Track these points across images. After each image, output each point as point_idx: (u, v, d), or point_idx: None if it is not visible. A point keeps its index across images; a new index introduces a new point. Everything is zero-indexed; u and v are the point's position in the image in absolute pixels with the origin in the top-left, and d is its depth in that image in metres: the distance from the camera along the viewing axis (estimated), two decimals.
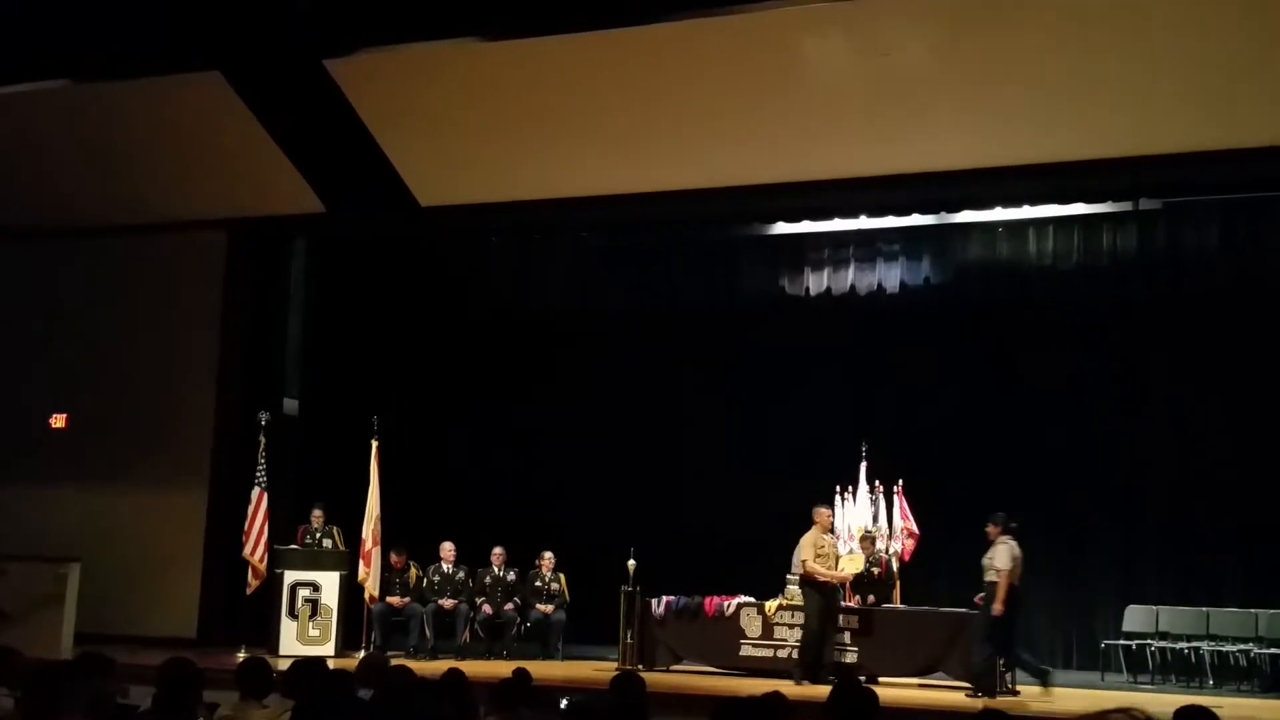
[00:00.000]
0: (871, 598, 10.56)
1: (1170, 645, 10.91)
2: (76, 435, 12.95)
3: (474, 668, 5.69)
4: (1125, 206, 11.51)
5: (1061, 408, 12.34)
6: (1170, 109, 9.70)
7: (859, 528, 10.91)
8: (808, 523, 10.43)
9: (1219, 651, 10.71)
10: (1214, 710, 4.71)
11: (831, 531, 10.64)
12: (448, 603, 11.62)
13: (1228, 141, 9.82)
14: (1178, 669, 10.91)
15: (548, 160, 11.38)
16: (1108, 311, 12.14)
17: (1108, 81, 9.67)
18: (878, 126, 10.35)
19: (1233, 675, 10.66)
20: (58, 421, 13.05)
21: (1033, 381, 12.44)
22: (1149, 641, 10.97)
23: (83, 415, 12.98)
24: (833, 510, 10.72)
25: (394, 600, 11.60)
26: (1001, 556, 9.58)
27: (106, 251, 13.12)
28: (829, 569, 10.17)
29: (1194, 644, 10.81)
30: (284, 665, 6.45)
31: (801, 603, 10.31)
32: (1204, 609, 10.99)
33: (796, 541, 10.57)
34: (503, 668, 6.08)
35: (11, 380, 13.13)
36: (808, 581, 10.16)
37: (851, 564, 10.34)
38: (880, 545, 10.90)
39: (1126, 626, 11.16)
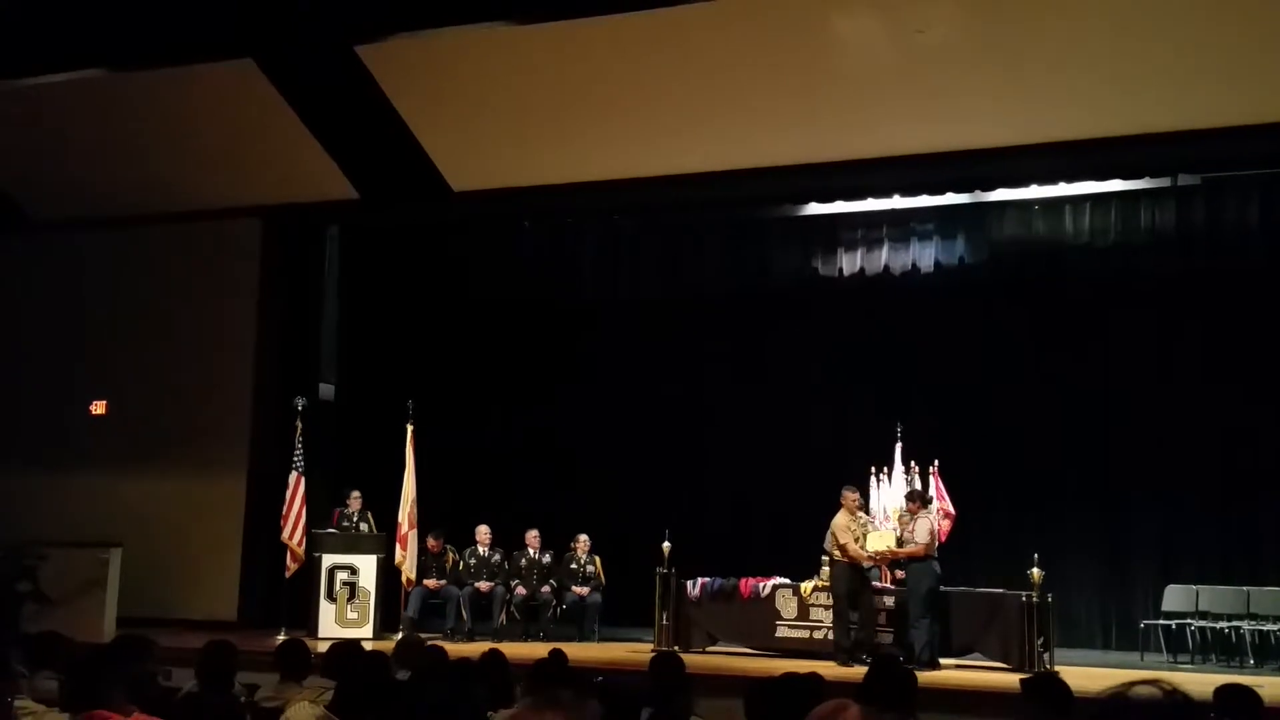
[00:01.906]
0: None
1: (1210, 625, 10.82)
2: (117, 422, 13.08)
3: (510, 649, 5.72)
4: (1163, 183, 11.34)
5: (1099, 386, 12.25)
6: (1209, 83, 9.57)
7: (895, 509, 10.85)
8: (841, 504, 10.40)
9: (1260, 630, 10.61)
10: (1255, 689, 4.67)
11: (866, 511, 10.61)
12: (484, 585, 11.68)
13: (1267, 116, 9.68)
14: (1218, 648, 10.82)
15: (579, 143, 11.36)
16: (1146, 289, 12.01)
17: (1145, 56, 9.55)
18: (911, 105, 10.27)
19: (1274, 654, 10.55)
20: (98, 409, 13.19)
21: (1070, 360, 12.34)
22: (1189, 621, 10.87)
23: (123, 402, 13.11)
24: (859, 492, 10.65)
25: (431, 583, 11.67)
26: (921, 530, 10.01)
27: (143, 240, 13.22)
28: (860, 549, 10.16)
29: (1234, 623, 10.71)
30: (323, 648, 6.51)
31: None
32: (1244, 588, 10.88)
33: (830, 524, 10.56)
34: (539, 649, 6.11)
35: (52, 368, 13.28)
36: (834, 562, 10.17)
37: (879, 540, 10.25)
38: None
39: (1166, 606, 11.07)
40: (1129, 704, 1.53)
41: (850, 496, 10.34)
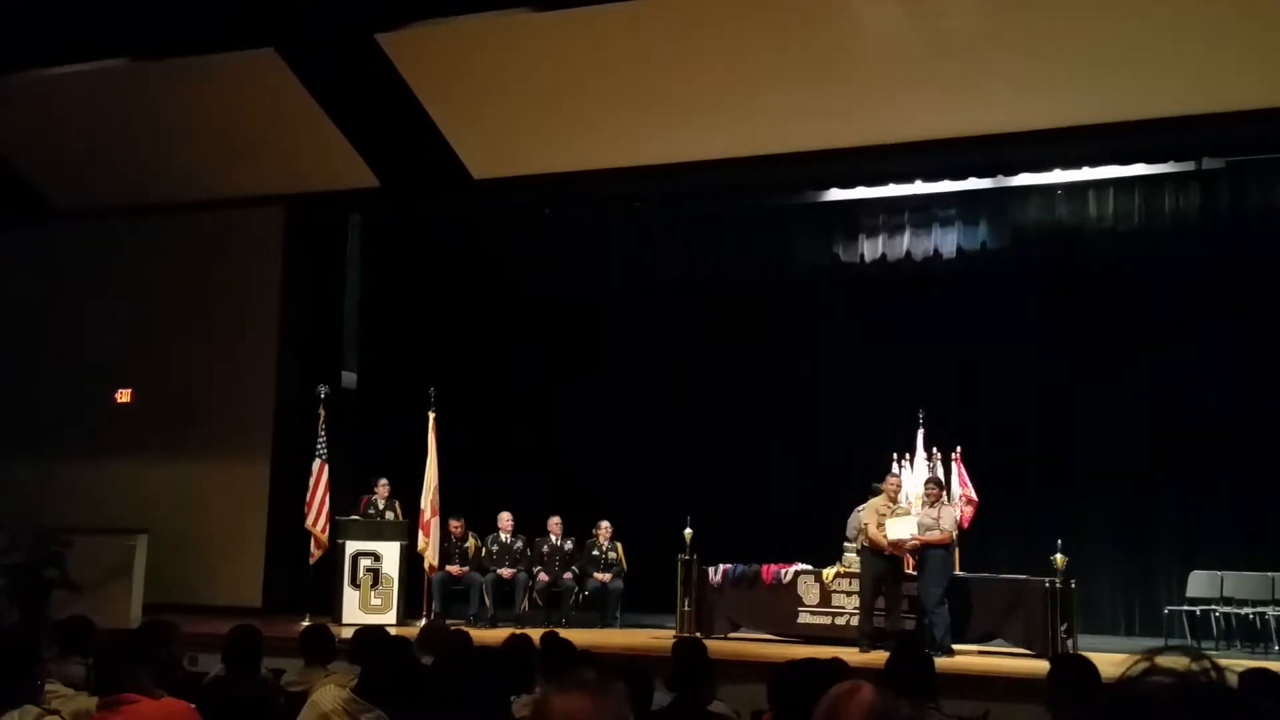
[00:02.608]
0: None
1: (1235, 610, 10.75)
2: (142, 410, 13.17)
3: (533, 636, 5.72)
4: (1187, 166, 11.26)
5: (1122, 371, 12.18)
6: (1233, 65, 9.49)
7: (917, 495, 10.83)
8: (864, 490, 10.41)
9: None
10: None
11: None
12: (506, 572, 11.72)
13: None
14: (1243, 634, 10.76)
15: (599, 130, 11.34)
16: (1170, 274, 11.92)
17: (1168, 37, 9.48)
18: (933, 89, 10.22)
19: None
20: (123, 397, 13.28)
21: (1093, 346, 12.26)
22: (1213, 607, 10.81)
23: (147, 390, 13.19)
24: (899, 479, 10.64)
25: (453, 569, 11.71)
26: (947, 518, 9.97)
27: (167, 229, 13.28)
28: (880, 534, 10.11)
29: (1259, 609, 10.64)
30: (347, 634, 6.56)
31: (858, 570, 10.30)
32: (1269, 573, 10.79)
33: (852, 509, 10.59)
34: (561, 634, 6.12)
35: (79, 357, 13.37)
36: (863, 549, 10.17)
37: (900, 526, 10.08)
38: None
39: (1190, 592, 11.00)
40: (1154, 670, 1.51)
41: (890, 482, 10.34)
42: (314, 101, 11.56)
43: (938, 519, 10.00)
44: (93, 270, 13.50)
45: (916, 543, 9.99)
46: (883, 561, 10.03)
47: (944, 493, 10.34)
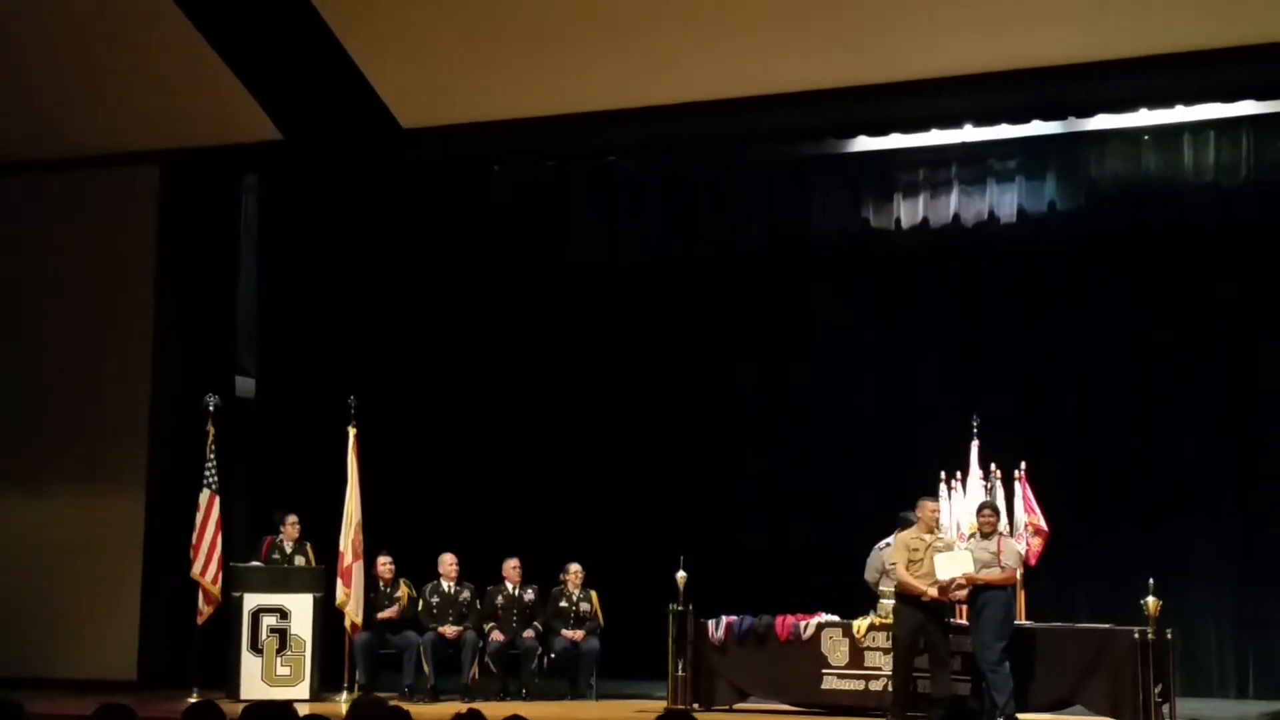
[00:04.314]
0: None
1: None
2: None
3: (486, 712, 5.68)
4: None
5: (1231, 365, 12.23)
6: None
7: (971, 524, 10.86)
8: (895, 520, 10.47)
9: None
10: None
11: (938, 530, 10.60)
12: (450, 630, 11.69)
13: None
14: None
15: (563, 65, 11.34)
16: None
17: None
18: (986, 7, 10.22)
19: None
20: None
21: (1194, 332, 12.31)
22: None
23: None
24: (937, 505, 10.64)
25: (386, 614, 11.66)
26: (1010, 553, 10.03)
27: (9, 194, 13.19)
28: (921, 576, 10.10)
29: None
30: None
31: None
32: None
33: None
34: (522, 710, 6.08)
35: None
36: (900, 595, 10.17)
37: (952, 564, 10.03)
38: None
39: None
40: None
41: (926, 508, 10.32)
42: (199, 35, 11.50)
43: (998, 554, 10.01)
44: None
45: (966, 584, 9.97)
46: (920, 611, 10.04)
47: (1002, 520, 10.35)
